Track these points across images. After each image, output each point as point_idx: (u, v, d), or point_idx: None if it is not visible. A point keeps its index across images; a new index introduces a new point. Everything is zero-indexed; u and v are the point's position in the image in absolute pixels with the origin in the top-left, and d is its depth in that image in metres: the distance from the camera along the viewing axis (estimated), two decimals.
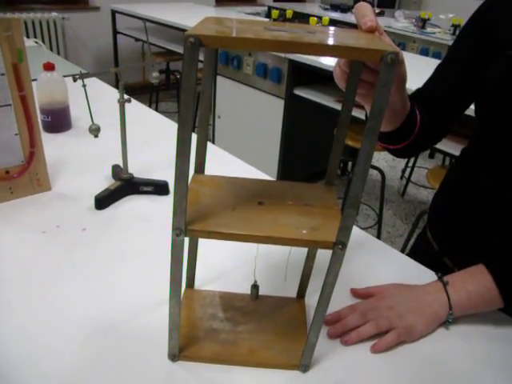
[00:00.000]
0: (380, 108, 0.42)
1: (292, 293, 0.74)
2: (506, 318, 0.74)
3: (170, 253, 0.81)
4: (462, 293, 0.70)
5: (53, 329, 0.64)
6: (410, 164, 3.49)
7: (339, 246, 0.50)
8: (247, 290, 0.70)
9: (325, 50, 0.41)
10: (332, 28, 0.50)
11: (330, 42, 0.42)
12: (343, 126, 0.58)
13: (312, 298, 0.73)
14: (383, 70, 0.40)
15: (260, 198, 0.58)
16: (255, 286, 0.66)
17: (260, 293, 0.66)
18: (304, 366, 0.61)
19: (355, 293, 0.76)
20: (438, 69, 0.89)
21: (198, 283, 0.75)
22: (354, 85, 0.56)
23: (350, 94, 0.56)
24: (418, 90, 0.90)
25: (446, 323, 0.70)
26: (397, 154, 0.91)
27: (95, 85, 1.66)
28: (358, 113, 2.41)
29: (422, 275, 0.80)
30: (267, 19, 3.55)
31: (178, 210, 0.49)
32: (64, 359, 0.60)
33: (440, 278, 0.72)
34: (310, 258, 0.68)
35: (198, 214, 0.53)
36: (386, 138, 0.80)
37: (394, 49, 0.40)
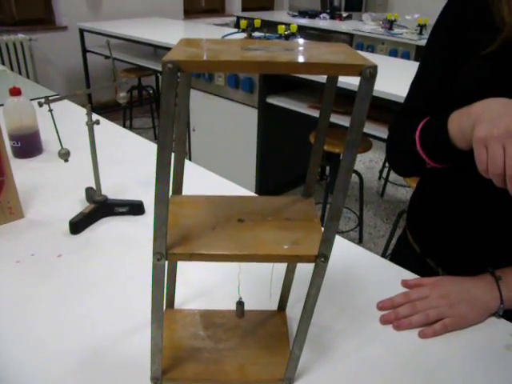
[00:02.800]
0: (360, 121, 0.43)
1: (273, 305, 0.73)
2: None
3: (148, 274, 0.80)
4: None
5: (31, 360, 0.63)
6: (388, 164, 3.52)
7: (321, 258, 0.50)
8: (228, 307, 0.70)
9: (305, 69, 0.42)
10: (307, 42, 0.50)
11: (309, 59, 0.42)
12: (321, 137, 0.59)
13: (293, 310, 0.73)
14: (362, 84, 0.41)
15: (240, 216, 0.58)
16: (240, 303, 0.65)
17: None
18: (288, 380, 0.60)
19: (406, 284, 0.80)
20: (417, 82, 0.86)
21: (178, 302, 0.74)
22: (330, 95, 0.56)
23: (326, 105, 0.56)
24: (410, 108, 0.87)
25: (495, 314, 0.73)
26: (416, 171, 0.91)
27: (64, 106, 1.64)
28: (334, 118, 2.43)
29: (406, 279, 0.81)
30: (235, 29, 3.56)
31: (159, 234, 0.49)
32: None
33: (492, 273, 0.75)
34: (290, 271, 0.68)
35: (179, 237, 0.53)
36: (458, 154, 0.72)
37: (371, 63, 0.41)
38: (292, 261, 0.52)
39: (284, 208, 0.60)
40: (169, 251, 0.50)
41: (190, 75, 0.56)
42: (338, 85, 0.57)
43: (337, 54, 0.46)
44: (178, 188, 0.63)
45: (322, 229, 0.50)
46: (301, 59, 0.42)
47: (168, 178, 0.45)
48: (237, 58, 0.41)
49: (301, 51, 0.45)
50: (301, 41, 0.54)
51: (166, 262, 0.51)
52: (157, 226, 0.48)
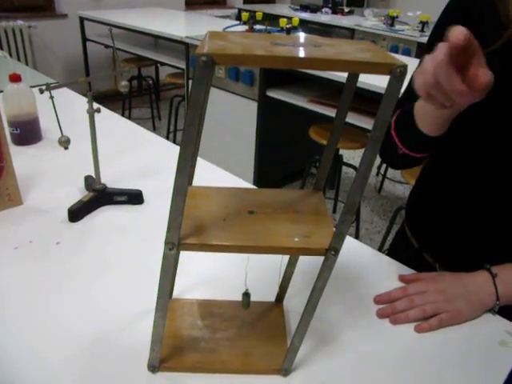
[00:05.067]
0: (385, 118, 0.43)
1: (270, 297, 0.74)
2: None
3: (146, 264, 0.80)
4: (510, 286, 0.73)
5: (29, 346, 0.63)
6: None
7: (332, 252, 0.51)
8: (227, 297, 0.71)
9: (337, 66, 0.42)
10: (331, 39, 0.50)
11: (341, 56, 0.42)
12: (336, 132, 0.59)
13: (290, 302, 0.73)
14: (392, 82, 0.41)
15: (250, 208, 0.58)
16: (246, 294, 0.65)
17: (237, 298, 0.66)
18: (284, 371, 0.61)
19: (404, 279, 0.80)
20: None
21: (176, 292, 0.74)
22: (349, 92, 0.56)
23: (345, 101, 0.56)
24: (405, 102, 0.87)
25: (491, 311, 0.74)
26: (402, 162, 0.91)
27: (65, 95, 1.64)
28: (334, 113, 2.43)
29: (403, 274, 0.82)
30: (237, 22, 3.55)
31: (173, 225, 0.49)
32: (42, 377, 0.59)
33: (488, 270, 0.75)
34: (292, 263, 0.68)
35: (190, 227, 0.53)
36: (424, 143, 0.76)
37: (401, 62, 0.41)
38: (302, 254, 0.53)
39: (294, 201, 0.61)
40: (181, 241, 0.51)
41: (213, 69, 0.56)
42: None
43: (365, 51, 0.46)
44: (189, 180, 0.63)
45: (333, 223, 0.51)
46: (333, 57, 0.42)
47: (188, 169, 0.45)
48: (270, 52, 0.41)
49: (329, 48, 0.46)
50: (325, 38, 0.54)
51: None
52: (172, 216, 0.48)
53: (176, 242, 0.50)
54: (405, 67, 0.41)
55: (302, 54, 0.42)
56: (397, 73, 0.41)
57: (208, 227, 0.54)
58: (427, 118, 0.72)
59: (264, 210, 0.58)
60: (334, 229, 0.51)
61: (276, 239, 0.52)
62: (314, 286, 0.54)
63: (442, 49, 0.55)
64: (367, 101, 2.10)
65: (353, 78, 0.54)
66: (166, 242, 0.50)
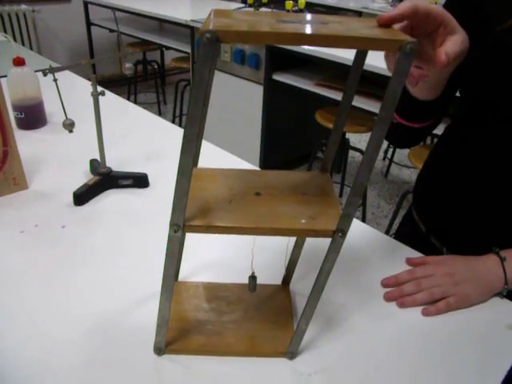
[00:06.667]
0: (394, 97, 0.42)
1: (276, 280, 0.73)
2: None
3: (151, 247, 0.80)
4: None
5: (36, 329, 0.63)
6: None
7: (339, 233, 0.50)
8: (233, 280, 0.70)
9: (345, 42, 0.41)
10: (339, 16, 0.49)
11: (349, 33, 0.41)
12: (343, 114, 0.58)
13: (296, 285, 0.73)
14: (402, 59, 0.40)
15: (256, 189, 0.57)
16: (253, 277, 0.65)
17: (243, 281, 0.66)
18: (291, 354, 0.61)
19: (411, 262, 0.79)
20: None
21: (182, 275, 0.74)
22: (357, 71, 0.55)
23: (352, 81, 0.55)
24: None
25: (499, 295, 0.73)
26: (404, 139, 0.90)
27: (69, 78, 1.63)
28: (338, 96, 2.41)
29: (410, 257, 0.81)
30: (242, 4, 3.50)
31: (178, 206, 0.48)
32: (48, 359, 0.59)
33: (497, 253, 0.74)
34: (299, 245, 0.68)
35: (195, 209, 0.53)
36: (419, 110, 0.77)
37: (411, 38, 0.40)
38: (309, 235, 0.52)
39: (300, 183, 0.60)
40: (186, 223, 0.50)
41: (218, 48, 0.55)
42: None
43: (373, 28, 0.45)
44: (194, 161, 0.62)
45: (340, 205, 0.50)
46: (341, 33, 0.41)
47: (193, 150, 0.45)
48: (275, 29, 0.40)
49: (337, 25, 0.44)
50: (333, 16, 0.53)
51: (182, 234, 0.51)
52: (177, 197, 0.47)
53: (181, 224, 0.50)
54: (415, 43, 0.40)
55: (308, 30, 0.41)
56: (407, 49, 0.40)
57: (213, 209, 0.53)
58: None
59: (270, 191, 0.57)
60: (341, 211, 0.50)
61: (282, 221, 0.52)
62: (320, 268, 0.53)
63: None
64: (374, 84, 2.08)
65: (360, 56, 0.53)
66: (171, 224, 0.49)
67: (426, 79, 0.65)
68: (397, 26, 0.52)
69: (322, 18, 0.47)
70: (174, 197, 0.48)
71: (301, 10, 2.92)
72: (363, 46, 0.42)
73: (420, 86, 0.71)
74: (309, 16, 0.48)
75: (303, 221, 0.52)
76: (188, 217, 0.51)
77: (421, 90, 0.72)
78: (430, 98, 0.73)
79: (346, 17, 0.50)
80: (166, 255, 0.52)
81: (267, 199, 0.55)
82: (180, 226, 0.50)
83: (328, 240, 0.51)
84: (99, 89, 0.88)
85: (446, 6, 0.81)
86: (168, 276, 0.53)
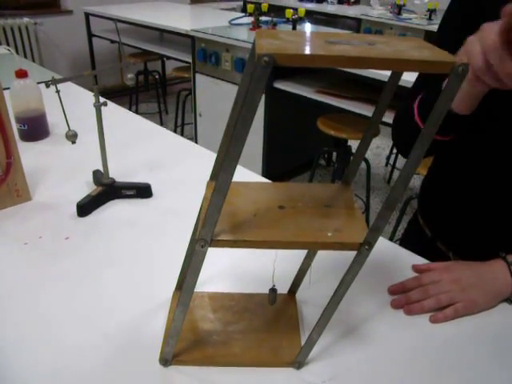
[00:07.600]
0: (440, 115, 0.42)
1: (283, 289, 0.73)
2: None
3: (155, 258, 0.80)
4: None
5: (41, 341, 0.63)
6: (395, 151, 3.50)
7: (366, 246, 0.50)
8: (238, 290, 0.70)
9: (397, 65, 0.41)
10: (382, 36, 0.49)
11: (400, 55, 0.42)
12: (372, 128, 0.57)
13: (302, 294, 0.72)
14: (453, 80, 0.40)
15: (279, 202, 0.57)
16: (273, 290, 0.65)
17: (250, 290, 0.66)
18: (298, 363, 0.60)
19: (417, 269, 0.79)
20: None
21: None
22: (390, 91, 0.54)
23: (385, 98, 0.55)
24: (418, 90, 0.85)
25: (508, 300, 0.72)
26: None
27: (71, 90, 1.64)
28: (341, 103, 2.41)
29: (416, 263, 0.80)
30: (242, 14, 3.52)
31: (209, 222, 0.48)
32: (52, 370, 0.59)
33: (504, 258, 0.73)
34: (310, 256, 0.67)
35: (221, 224, 0.52)
36: (453, 123, 0.73)
37: (462, 60, 0.40)
38: (335, 248, 0.51)
39: (323, 195, 0.60)
40: (214, 238, 0.50)
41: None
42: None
43: (421, 49, 0.45)
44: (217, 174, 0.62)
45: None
46: (394, 56, 0.41)
47: (234, 169, 0.44)
48: (330, 52, 0.41)
49: (383, 46, 0.44)
50: (375, 35, 0.54)
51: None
52: (209, 213, 0.47)
53: (209, 239, 0.49)
54: (466, 65, 0.40)
55: (363, 53, 0.41)
56: (459, 71, 0.40)
57: (239, 223, 0.53)
58: (459, 95, 0.68)
59: (293, 204, 0.57)
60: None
61: (308, 234, 0.51)
62: (341, 280, 0.53)
63: (490, 30, 0.52)
64: (378, 91, 2.08)
65: (395, 76, 0.53)
66: (198, 239, 0.49)
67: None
68: None
69: (367, 38, 0.47)
70: (207, 212, 0.47)
71: (301, 18, 2.94)
72: (414, 69, 0.42)
73: (465, 99, 0.68)
74: (354, 36, 0.48)
75: (329, 234, 0.51)
76: (215, 232, 0.50)
77: (463, 103, 0.68)
78: (468, 112, 0.70)
79: (388, 36, 0.50)
80: (190, 269, 0.51)
81: (291, 212, 0.55)
82: (207, 241, 0.49)
83: (331, 251, 0.51)
84: (101, 99, 0.88)
85: (451, 7, 0.81)
86: (188, 289, 0.53)
